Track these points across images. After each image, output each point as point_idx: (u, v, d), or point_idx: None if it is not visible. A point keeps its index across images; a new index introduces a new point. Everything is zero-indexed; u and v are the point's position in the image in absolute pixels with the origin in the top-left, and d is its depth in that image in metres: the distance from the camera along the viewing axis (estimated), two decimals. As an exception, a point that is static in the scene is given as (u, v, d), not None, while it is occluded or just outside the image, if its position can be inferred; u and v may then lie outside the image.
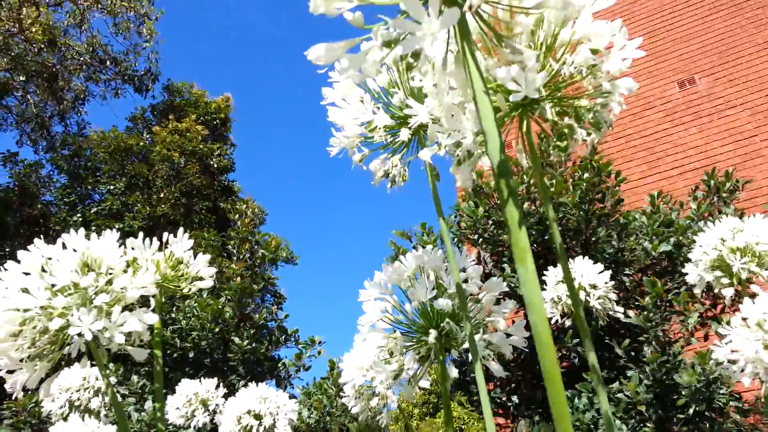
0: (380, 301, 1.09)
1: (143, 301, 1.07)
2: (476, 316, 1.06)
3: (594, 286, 1.57)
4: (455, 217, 3.43)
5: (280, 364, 3.94)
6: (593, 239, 2.87)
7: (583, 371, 3.03)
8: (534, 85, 0.68)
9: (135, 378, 3.12)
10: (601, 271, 1.57)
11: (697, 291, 1.36)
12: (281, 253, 4.79)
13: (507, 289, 1.09)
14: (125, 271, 1.03)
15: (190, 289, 1.16)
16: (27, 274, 0.97)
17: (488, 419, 0.86)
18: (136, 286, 0.99)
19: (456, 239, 3.45)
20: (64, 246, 1.01)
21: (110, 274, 1.01)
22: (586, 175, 2.86)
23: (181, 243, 1.15)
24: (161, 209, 7.00)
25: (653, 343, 2.68)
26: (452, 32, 0.63)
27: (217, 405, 2.18)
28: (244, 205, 4.77)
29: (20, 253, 0.99)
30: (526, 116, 0.82)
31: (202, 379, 2.24)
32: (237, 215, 4.95)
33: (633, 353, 2.83)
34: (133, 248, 1.14)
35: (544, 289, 1.68)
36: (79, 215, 7.33)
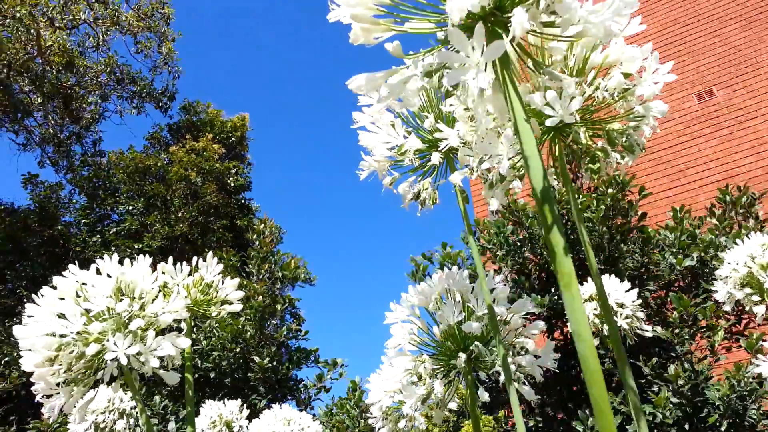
0: (407, 323, 1.09)
1: (174, 325, 1.08)
2: (504, 338, 1.06)
3: (621, 305, 1.55)
4: (475, 233, 3.43)
5: (301, 385, 3.93)
6: (616, 255, 2.85)
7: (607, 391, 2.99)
8: (570, 110, 0.68)
9: (157, 399, 3.13)
10: (629, 290, 1.56)
11: (727, 308, 1.35)
12: (300, 273, 4.80)
13: (534, 311, 1.08)
14: (157, 296, 1.04)
15: (219, 313, 1.17)
16: (62, 299, 0.98)
17: None
18: (169, 311, 1.00)
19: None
20: (98, 271, 1.03)
21: (142, 298, 1.02)
22: (609, 190, 2.85)
23: (211, 267, 1.16)
24: (179, 228, 7.06)
25: (682, 360, 2.64)
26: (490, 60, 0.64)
27: (240, 427, 2.18)
28: (262, 224, 4.79)
29: (56, 279, 1.01)
30: (558, 140, 0.82)
31: (225, 400, 2.24)
32: (255, 234, 4.98)
33: (659, 370, 2.79)
34: (164, 272, 1.15)
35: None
36: (98, 236, 7.41)
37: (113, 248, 6.90)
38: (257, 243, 4.77)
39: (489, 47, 0.54)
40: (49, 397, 0.98)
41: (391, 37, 0.69)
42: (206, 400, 2.22)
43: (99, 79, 9.45)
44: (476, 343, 0.99)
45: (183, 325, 1.13)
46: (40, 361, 0.95)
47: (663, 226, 3.05)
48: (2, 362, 6.09)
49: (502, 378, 0.98)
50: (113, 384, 1.08)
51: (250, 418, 2.24)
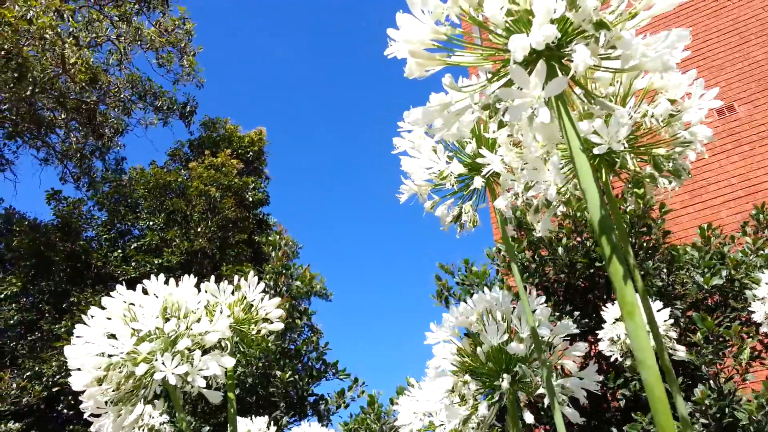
0: (448, 344, 1.10)
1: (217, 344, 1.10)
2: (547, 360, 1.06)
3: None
4: (498, 251, 3.42)
5: (321, 401, 3.94)
6: (641, 273, 2.83)
7: (631, 411, 2.96)
8: (618, 137, 0.69)
9: (180, 416, 3.13)
10: (660, 309, 1.55)
11: (765, 329, 1.34)
12: (316, 286, 4.82)
13: (577, 331, 1.09)
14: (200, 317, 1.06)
15: (259, 332, 1.19)
16: (109, 319, 1.01)
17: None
18: (214, 331, 1.01)
19: (499, 273, 3.44)
20: (145, 291, 1.05)
21: (188, 318, 1.04)
22: (630, 207, 2.84)
23: (252, 286, 1.17)
24: (198, 244, 7.12)
25: (709, 381, 2.61)
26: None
27: (268, 443, 2.18)
28: (278, 237, 4.82)
29: (104, 300, 1.03)
30: (603, 166, 0.83)
31: (252, 416, 2.25)
32: (270, 248, 5.00)
33: (685, 392, 2.76)
34: (206, 291, 1.16)
35: (602, 327, 1.67)
36: (119, 251, 7.50)
37: (133, 263, 6.98)
38: (272, 256, 4.79)
39: (550, 84, 0.55)
40: (97, 416, 1.00)
41: (443, 69, 0.71)
42: (238, 418, 2.22)
43: (122, 95, 9.61)
44: (519, 364, 1.00)
45: (223, 343, 1.14)
46: (90, 381, 0.97)
47: (688, 244, 3.03)
48: (24, 376, 6.16)
49: (547, 400, 0.99)
50: (158, 402, 1.10)
51: (275, 435, 2.25)
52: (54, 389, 5.86)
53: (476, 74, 0.77)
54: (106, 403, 0.98)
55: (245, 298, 1.17)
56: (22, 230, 7.58)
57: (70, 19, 8.55)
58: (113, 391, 0.97)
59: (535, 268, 3.20)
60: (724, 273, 2.78)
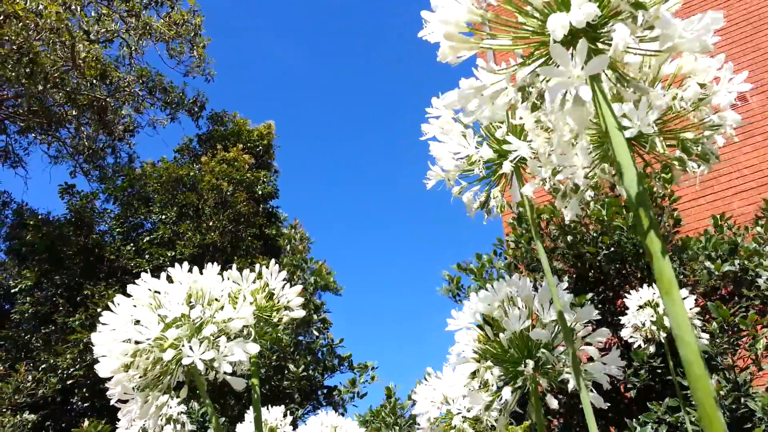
0: (470, 330, 1.11)
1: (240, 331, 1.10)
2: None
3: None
4: (511, 243, 3.41)
5: (335, 392, 3.96)
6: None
7: (646, 401, 2.96)
8: (648, 120, 0.69)
9: (195, 406, 3.18)
10: (685, 297, 1.55)
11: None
12: (329, 279, 4.82)
13: (599, 317, 1.09)
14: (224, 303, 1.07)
15: (281, 319, 1.20)
16: (135, 307, 1.02)
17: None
18: (238, 317, 1.02)
19: (510, 264, 3.43)
20: (169, 279, 1.06)
21: (212, 305, 1.05)
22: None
23: (274, 274, 1.18)
24: (210, 237, 7.16)
25: (724, 371, 2.61)
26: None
27: (284, 433, 2.20)
28: (292, 229, 4.84)
29: (130, 287, 1.04)
30: (631, 150, 0.83)
31: (268, 407, 2.26)
32: (286, 240, 5.02)
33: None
34: (229, 278, 1.17)
35: (625, 314, 1.67)
36: (132, 244, 7.55)
37: (147, 256, 7.03)
38: (288, 249, 4.80)
39: (592, 62, 0.56)
40: (124, 402, 1.01)
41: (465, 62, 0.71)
42: (250, 408, 2.24)
43: (132, 90, 9.65)
44: (543, 350, 1.00)
45: (246, 330, 1.15)
46: (117, 367, 0.98)
47: (701, 233, 3.02)
48: (40, 369, 6.22)
49: (570, 385, 0.99)
50: (181, 390, 1.11)
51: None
52: (68, 382, 5.92)
53: (506, 61, 0.77)
54: (133, 389, 0.99)
55: (267, 285, 1.18)
56: (35, 224, 7.65)
57: (79, 11, 8.57)
58: (140, 377, 0.98)
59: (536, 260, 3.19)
60: (737, 262, 2.76)
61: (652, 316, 1.62)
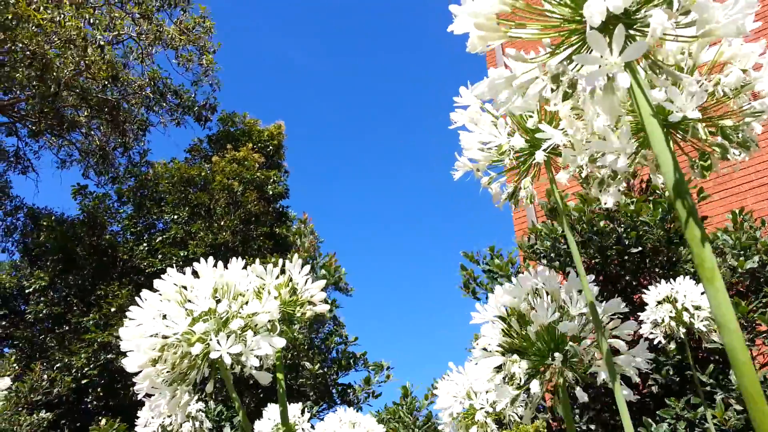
0: (496, 323, 1.10)
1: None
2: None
3: (698, 307, 1.54)
4: (528, 237, 3.40)
5: (349, 390, 3.96)
6: (674, 258, 2.80)
7: (665, 397, 2.94)
8: (693, 105, 0.69)
9: (212, 404, 3.19)
10: (704, 292, 1.54)
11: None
12: (341, 272, 4.81)
13: (626, 310, 1.08)
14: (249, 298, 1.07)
15: (304, 314, 1.20)
16: (162, 301, 1.02)
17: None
18: (264, 312, 1.02)
19: (526, 259, 3.42)
20: (195, 274, 1.06)
21: (237, 300, 1.05)
22: (668, 192, 2.81)
23: (298, 268, 1.18)
24: (222, 237, 7.19)
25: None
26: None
27: (303, 430, 2.21)
28: (302, 225, 4.85)
29: (157, 282, 1.05)
30: (669, 137, 0.83)
31: (296, 401, 2.27)
32: (296, 237, 5.03)
33: (719, 379, 2.73)
34: (252, 273, 1.17)
35: (637, 313, 1.66)
36: (144, 244, 7.60)
37: (159, 256, 7.07)
38: (299, 244, 4.81)
39: (629, 48, 0.55)
40: (151, 396, 1.01)
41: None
42: (269, 404, 2.25)
43: (143, 93, 9.70)
44: (570, 343, 1.00)
45: (270, 324, 1.15)
46: (145, 362, 0.98)
47: (720, 229, 2.99)
48: (54, 368, 6.28)
49: (600, 378, 0.98)
50: (207, 385, 1.11)
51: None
52: (83, 381, 5.97)
53: (527, 52, 0.76)
54: (161, 383, 1.00)
55: (291, 280, 1.18)
56: (49, 225, 7.71)
57: (92, 15, 8.62)
58: (168, 371, 0.99)
59: (566, 255, 3.18)
60: (756, 258, 2.74)
61: (671, 311, 1.61)
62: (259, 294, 1.11)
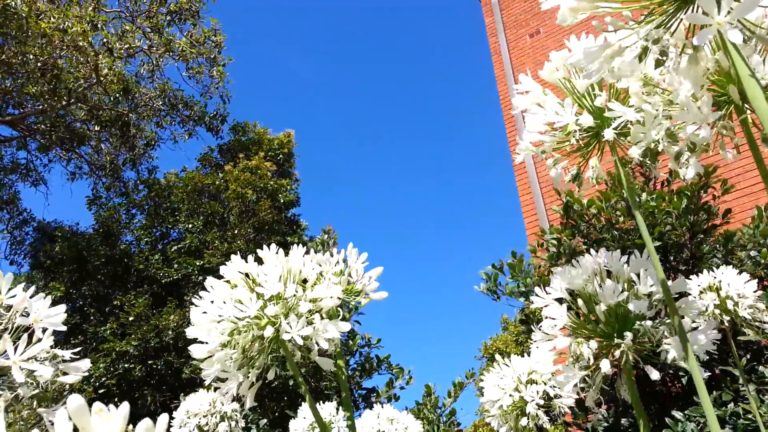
0: (559, 306, 1.10)
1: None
2: (663, 318, 1.05)
3: (742, 296, 1.53)
4: (543, 240, 3.39)
5: (373, 393, 3.95)
6: (698, 254, 2.79)
7: (694, 394, 2.92)
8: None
9: (236, 406, 3.18)
10: (748, 280, 1.54)
11: None
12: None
13: (689, 291, 1.08)
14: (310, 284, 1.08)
15: (360, 302, 1.20)
16: (231, 287, 1.03)
17: (713, 425, 0.85)
18: (329, 296, 1.03)
19: (552, 255, 3.41)
20: (258, 260, 1.07)
21: (300, 285, 1.06)
22: (691, 184, 2.81)
23: (354, 256, 1.19)
24: (236, 245, 7.21)
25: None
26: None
27: (339, 429, 2.20)
28: (325, 235, 4.86)
29: (222, 269, 1.06)
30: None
31: (322, 402, 2.27)
32: (319, 247, 5.02)
33: (752, 373, 2.71)
34: (312, 261, 1.18)
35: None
36: (159, 254, 7.62)
37: (175, 265, 7.09)
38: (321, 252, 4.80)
39: (739, 5, 0.56)
40: (222, 381, 1.02)
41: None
42: (302, 405, 2.24)
43: (154, 105, 9.76)
44: (639, 322, 1.00)
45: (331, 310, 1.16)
46: (215, 347, 0.99)
47: (746, 225, 2.98)
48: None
49: (670, 356, 0.98)
50: (269, 371, 1.11)
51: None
52: (101, 390, 5.97)
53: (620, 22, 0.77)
54: (231, 367, 1.00)
55: (348, 267, 1.19)
56: (64, 236, 7.74)
57: (103, 29, 8.70)
58: (237, 356, 0.99)
59: (586, 251, 3.17)
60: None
61: (715, 299, 1.61)
62: (319, 281, 1.11)
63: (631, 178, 3.22)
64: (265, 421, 3.15)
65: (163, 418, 0.47)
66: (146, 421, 0.49)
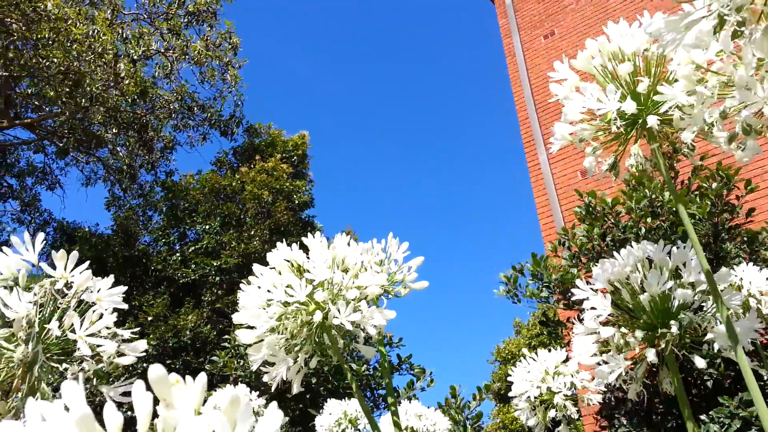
0: (603, 296, 1.11)
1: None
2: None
3: (764, 293, 1.53)
4: (565, 239, 3.39)
5: (395, 393, 3.96)
6: (722, 254, 2.78)
7: (717, 395, 2.90)
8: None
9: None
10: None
11: None
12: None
13: (732, 279, 1.08)
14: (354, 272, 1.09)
15: (400, 293, 1.22)
16: (276, 273, 1.04)
17: (763, 414, 0.85)
18: (375, 284, 1.04)
19: (568, 263, 3.41)
20: (304, 248, 1.09)
21: (346, 273, 1.07)
22: (714, 184, 2.79)
23: (396, 245, 1.20)
24: (252, 246, 7.25)
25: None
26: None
27: (365, 425, 2.21)
28: (347, 236, 4.87)
29: (269, 255, 1.07)
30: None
31: (346, 398, 2.28)
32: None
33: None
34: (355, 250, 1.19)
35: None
36: (177, 254, 7.68)
37: (193, 266, 7.14)
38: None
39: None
40: (271, 365, 1.03)
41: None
42: (330, 400, 2.25)
43: (170, 107, 9.83)
44: (684, 312, 1.00)
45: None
46: (264, 331, 1.00)
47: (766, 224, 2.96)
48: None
49: (717, 345, 0.98)
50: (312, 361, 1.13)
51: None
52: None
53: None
54: (280, 352, 1.01)
55: (391, 256, 1.20)
56: (83, 237, 7.82)
57: (122, 32, 8.79)
58: (286, 340, 1.01)
59: (597, 255, 3.16)
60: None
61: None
62: (363, 270, 1.13)
63: (652, 176, 3.21)
64: (286, 418, 3.17)
65: (202, 376, 0.43)
66: (230, 390, 0.51)
